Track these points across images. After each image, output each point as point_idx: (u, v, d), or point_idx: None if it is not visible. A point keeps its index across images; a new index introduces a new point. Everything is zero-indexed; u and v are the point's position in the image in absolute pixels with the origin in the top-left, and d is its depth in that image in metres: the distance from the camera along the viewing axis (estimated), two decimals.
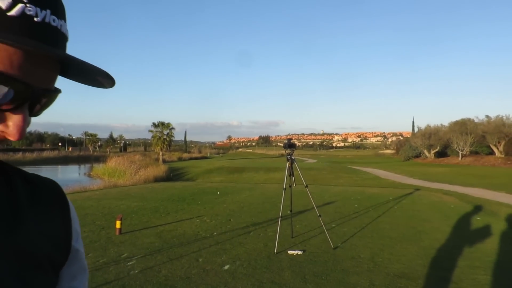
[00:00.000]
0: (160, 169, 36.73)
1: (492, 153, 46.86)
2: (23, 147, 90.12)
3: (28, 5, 0.44)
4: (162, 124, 58.53)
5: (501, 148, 45.08)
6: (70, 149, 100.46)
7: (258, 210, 9.69)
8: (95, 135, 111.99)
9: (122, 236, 6.78)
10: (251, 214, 9.03)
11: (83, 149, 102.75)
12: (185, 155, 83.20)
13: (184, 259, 5.48)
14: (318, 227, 7.24)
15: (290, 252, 5.79)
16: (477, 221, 8.52)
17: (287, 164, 6.34)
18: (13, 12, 0.43)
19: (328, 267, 5.13)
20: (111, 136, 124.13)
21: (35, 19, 0.44)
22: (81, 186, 19.36)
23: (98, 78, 0.50)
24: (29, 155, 71.22)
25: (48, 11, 0.46)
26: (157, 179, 29.75)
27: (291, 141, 6.46)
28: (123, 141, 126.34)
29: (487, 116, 51.00)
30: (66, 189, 16.54)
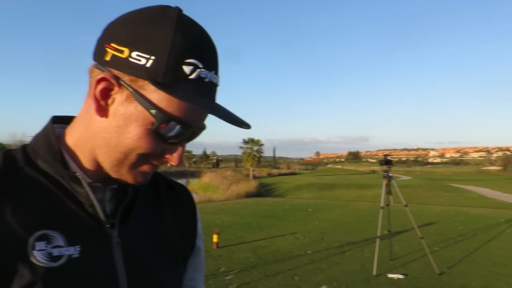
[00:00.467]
0: (251, 185, 37.52)
1: None
2: None
3: (202, 69, 0.58)
4: (252, 140, 60.03)
5: None
6: (168, 164, 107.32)
7: (352, 228, 9.38)
8: (190, 152, 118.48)
9: (219, 250, 7.02)
10: (345, 233, 8.78)
11: (180, 165, 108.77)
12: (274, 171, 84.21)
13: (280, 276, 5.49)
14: (419, 249, 6.77)
15: (390, 275, 5.49)
16: None
17: (384, 182, 6.07)
18: (192, 76, 0.57)
19: None
20: (204, 153, 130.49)
21: (205, 80, 0.59)
22: None
23: (237, 121, 0.61)
24: None
25: (213, 72, 0.60)
26: (248, 195, 30.39)
27: (388, 157, 6.19)
28: (216, 157, 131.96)
29: None
30: None
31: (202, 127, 0.64)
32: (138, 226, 0.69)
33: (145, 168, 0.63)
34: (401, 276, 5.42)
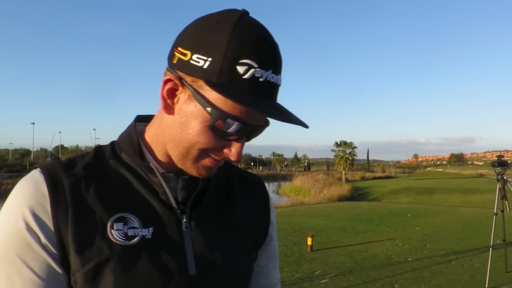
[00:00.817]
0: (344, 188, 36.69)
1: None
2: None
3: (257, 69, 0.60)
4: (344, 143, 58.78)
5: None
6: (260, 168, 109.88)
7: (458, 236, 8.62)
8: (282, 155, 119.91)
9: (313, 253, 6.94)
10: (450, 241, 8.10)
11: (272, 168, 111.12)
12: (368, 174, 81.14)
13: (379, 283, 5.25)
14: None
15: None
16: None
17: (498, 185, 5.47)
18: (246, 76, 0.59)
19: None
20: (295, 156, 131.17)
21: (260, 79, 0.60)
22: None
23: (293, 120, 0.63)
24: None
25: (270, 71, 0.62)
26: (341, 198, 29.77)
27: (503, 158, 5.57)
28: (307, 161, 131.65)
29: None
30: None
31: (262, 125, 0.66)
32: (208, 213, 0.74)
33: (207, 162, 0.67)
34: None
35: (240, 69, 0.59)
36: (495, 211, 5.37)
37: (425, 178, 70.92)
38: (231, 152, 0.66)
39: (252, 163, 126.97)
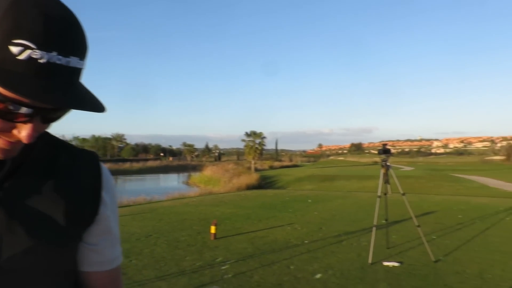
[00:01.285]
0: (252, 177, 37.53)
1: None
2: (131, 158, 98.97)
3: (35, 50, 0.56)
4: (254, 133, 60.04)
5: None
6: (170, 159, 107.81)
7: (351, 218, 9.39)
8: (192, 146, 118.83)
9: (216, 241, 7.05)
10: (344, 223, 8.79)
11: (182, 158, 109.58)
12: (276, 163, 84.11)
13: (276, 265, 5.51)
14: (416, 238, 6.78)
15: (385, 263, 5.50)
16: None
17: (382, 171, 6.06)
18: (22, 57, 0.55)
19: (428, 282, 4.77)
20: (206, 146, 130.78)
21: (40, 61, 0.56)
22: (180, 193, 20.62)
23: (82, 106, 0.60)
24: (135, 165, 78.44)
25: (55, 53, 0.57)
26: (249, 187, 30.51)
27: (386, 146, 6.18)
28: (217, 151, 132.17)
29: None
30: (167, 196, 17.63)
31: (57, 108, 0.63)
32: (20, 192, 0.70)
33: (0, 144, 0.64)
34: (396, 264, 5.43)
35: (14, 49, 0.55)
36: (379, 194, 5.95)
37: (328, 166, 75.67)
38: (21, 135, 0.62)
39: (162, 154, 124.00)
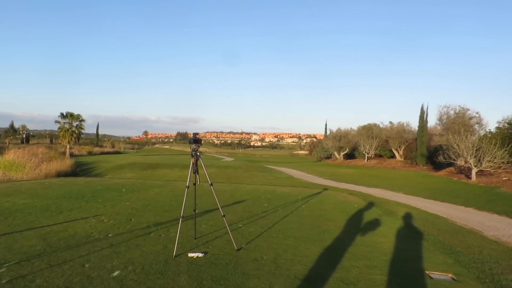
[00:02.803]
0: (65, 164, 34.00)
1: (393, 156, 50.70)
2: None
3: None
4: (71, 115, 54.59)
5: (401, 152, 48.95)
6: None
7: (164, 209, 9.14)
8: None
9: None
10: (156, 213, 8.47)
11: None
12: (96, 149, 78.50)
13: (68, 264, 4.83)
14: (224, 227, 6.94)
15: (190, 254, 5.40)
16: (377, 220, 8.88)
17: (192, 161, 5.94)
18: None
19: (228, 271, 4.84)
20: (12, 126, 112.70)
21: None
22: None
23: None
24: None
25: None
26: (60, 174, 27.59)
27: (197, 136, 6.08)
28: (25, 132, 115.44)
29: (390, 122, 55.12)
30: None
31: None
32: None
33: None
34: (200, 255, 5.39)
35: None
36: (187, 184, 5.81)
37: (152, 154, 74.29)
38: None
39: None
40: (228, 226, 6.32)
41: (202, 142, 6.18)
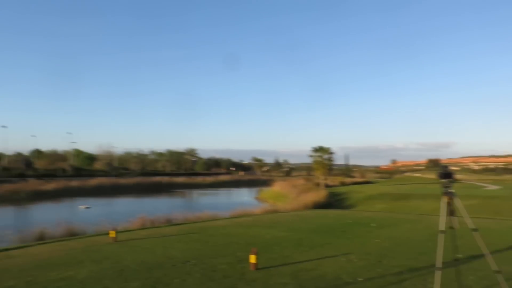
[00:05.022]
0: (320, 194, 36.31)
1: None
2: (204, 172, 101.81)
3: None
4: (321, 148, 58.66)
5: None
6: (241, 173, 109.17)
7: (419, 250, 8.12)
8: (262, 160, 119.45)
9: (257, 272, 6.31)
10: (409, 256, 7.58)
11: (252, 173, 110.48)
12: (348, 180, 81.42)
13: None
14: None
15: None
16: None
17: (444, 200, 4.93)
18: None
19: None
20: (277, 161, 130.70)
21: None
22: (243, 210, 18.41)
23: None
24: (208, 179, 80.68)
25: None
26: (316, 205, 29.28)
27: (449, 168, 4.98)
28: (288, 166, 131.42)
29: None
30: (231, 213, 17.05)
31: None
32: None
33: None
34: None
35: None
36: (442, 229, 4.84)
37: (402, 184, 71.29)
38: None
39: (233, 168, 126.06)
40: (507, 283, 4.91)
41: (456, 170, 5.09)
